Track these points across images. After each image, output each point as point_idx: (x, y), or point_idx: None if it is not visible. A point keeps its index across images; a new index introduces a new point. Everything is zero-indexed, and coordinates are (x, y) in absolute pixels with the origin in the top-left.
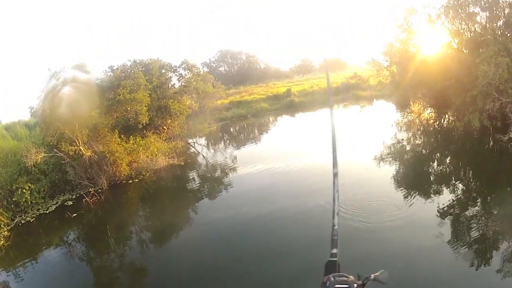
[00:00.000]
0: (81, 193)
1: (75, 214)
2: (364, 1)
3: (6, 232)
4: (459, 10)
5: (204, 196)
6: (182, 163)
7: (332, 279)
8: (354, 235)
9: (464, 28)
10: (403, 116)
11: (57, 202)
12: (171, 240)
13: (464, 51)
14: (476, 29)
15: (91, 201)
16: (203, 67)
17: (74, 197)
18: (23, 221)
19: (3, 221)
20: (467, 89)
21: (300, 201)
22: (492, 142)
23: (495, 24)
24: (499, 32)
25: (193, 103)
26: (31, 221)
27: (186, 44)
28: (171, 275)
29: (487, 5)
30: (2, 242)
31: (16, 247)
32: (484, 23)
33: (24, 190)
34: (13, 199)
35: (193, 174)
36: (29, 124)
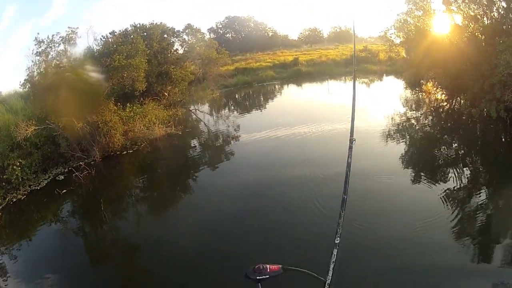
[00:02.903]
0: (74, 166)
1: (64, 191)
2: None
3: None
4: None
5: (204, 166)
6: (180, 132)
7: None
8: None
9: (481, 14)
10: (414, 94)
11: (49, 177)
12: (168, 211)
13: (480, 36)
14: (495, 16)
15: (81, 175)
16: (209, 33)
17: (66, 170)
18: (14, 199)
19: None
20: (485, 76)
21: (301, 169)
22: (507, 135)
23: None
24: None
25: (198, 68)
26: (22, 198)
27: (192, 8)
28: (169, 247)
29: None
30: None
31: (9, 227)
32: (502, 12)
33: (14, 167)
34: (4, 176)
35: (193, 143)
36: (25, 96)
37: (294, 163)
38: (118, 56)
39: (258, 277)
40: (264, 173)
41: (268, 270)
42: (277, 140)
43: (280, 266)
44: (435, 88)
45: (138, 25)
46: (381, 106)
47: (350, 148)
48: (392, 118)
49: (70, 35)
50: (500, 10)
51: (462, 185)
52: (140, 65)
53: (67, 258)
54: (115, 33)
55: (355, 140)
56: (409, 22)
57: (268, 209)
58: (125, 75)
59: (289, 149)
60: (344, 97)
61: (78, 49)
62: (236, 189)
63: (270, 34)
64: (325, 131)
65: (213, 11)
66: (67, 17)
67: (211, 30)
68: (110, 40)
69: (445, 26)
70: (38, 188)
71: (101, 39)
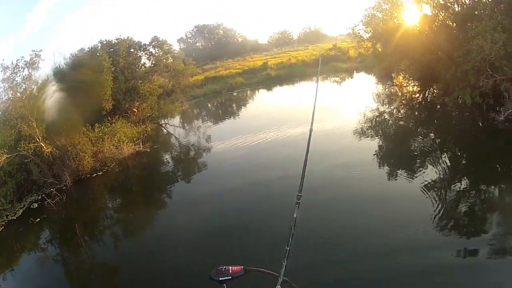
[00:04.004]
0: (47, 192)
1: (38, 219)
2: None
3: None
4: None
5: (175, 180)
6: (148, 150)
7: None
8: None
9: (451, 2)
10: (385, 89)
11: (24, 206)
12: (143, 230)
13: (450, 24)
14: (466, 2)
15: (53, 202)
16: (179, 43)
17: (39, 198)
18: None
19: None
20: (458, 64)
21: (274, 174)
22: (484, 121)
23: (484, 0)
24: (489, 8)
25: (166, 81)
26: (0, 230)
27: (160, 19)
28: (145, 264)
29: None
30: None
31: None
32: None
33: None
34: None
35: (163, 158)
36: None
37: (265, 168)
38: (85, 71)
39: (221, 279)
40: (236, 181)
41: (231, 271)
42: (247, 147)
43: (242, 267)
44: (406, 81)
45: (105, 42)
46: (353, 103)
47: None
48: (364, 115)
49: (33, 59)
50: None
51: (441, 174)
52: (106, 83)
53: (49, 285)
54: (84, 50)
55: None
56: (377, 16)
57: (237, 216)
58: (92, 93)
59: (259, 154)
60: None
61: (42, 73)
62: (207, 200)
63: (240, 40)
64: (294, 133)
65: (182, 20)
66: (37, 37)
67: (180, 40)
68: (78, 56)
69: (414, 17)
70: (15, 217)
71: (70, 57)
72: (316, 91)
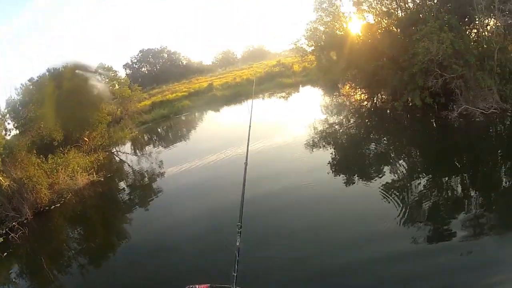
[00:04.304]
0: (10, 226)
1: (6, 253)
2: None
3: None
4: None
5: (133, 207)
6: (102, 179)
7: None
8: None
9: (395, 8)
10: (332, 100)
11: None
12: (107, 257)
13: (394, 30)
14: (410, 7)
15: (17, 236)
16: (125, 69)
17: (4, 232)
18: None
19: None
20: (403, 68)
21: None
22: (437, 120)
23: (429, 2)
24: (434, 9)
25: (114, 108)
26: None
27: (105, 44)
28: None
29: None
30: None
31: None
32: (418, 1)
33: None
34: None
35: (118, 187)
36: None
37: (218, 187)
38: (32, 107)
39: None
40: (189, 201)
41: None
42: (198, 170)
43: (208, 284)
44: (353, 90)
45: (52, 70)
46: (301, 117)
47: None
48: (314, 127)
49: None
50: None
51: (399, 175)
52: (53, 113)
53: None
54: (33, 80)
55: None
56: (319, 29)
57: (197, 235)
58: (42, 125)
59: (210, 176)
60: (261, 115)
61: None
62: (165, 221)
63: (185, 62)
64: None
65: (126, 45)
66: None
67: (126, 65)
68: (29, 87)
69: (356, 26)
70: None
71: (20, 87)
72: (250, 119)
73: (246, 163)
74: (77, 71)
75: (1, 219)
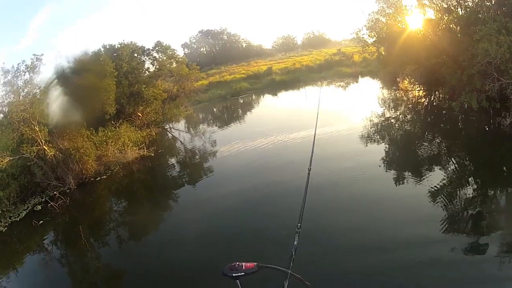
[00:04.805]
0: (51, 194)
1: (41, 222)
2: None
3: None
4: None
5: (181, 184)
6: (152, 154)
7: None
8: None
9: (454, 5)
10: (390, 94)
11: (28, 207)
12: (150, 232)
13: (454, 28)
14: (470, 5)
15: (57, 205)
16: (183, 48)
17: (43, 200)
18: None
19: None
20: (463, 68)
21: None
22: (491, 125)
23: (488, 3)
24: (492, 11)
25: (171, 86)
26: (4, 230)
27: (164, 24)
28: (156, 265)
29: None
30: None
31: None
32: (477, 0)
33: None
34: None
35: (168, 163)
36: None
37: (271, 171)
38: (87, 75)
39: (234, 274)
40: (243, 183)
41: (244, 268)
42: (253, 151)
43: (255, 263)
44: (411, 85)
45: (108, 46)
46: (358, 108)
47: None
48: (370, 120)
49: (34, 63)
50: None
51: (447, 179)
52: (108, 88)
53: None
54: (87, 53)
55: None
56: (380, 21)
57: (246, 218)
58: (94, 98)
59: (265, 159)
60: (317, 103)
61: (44, 77)
62: (213, 204)
63: (244, 45)
64: (298, 137)
65: (186, 25)
66: (41, 42)
67: (185, 45)
68: (81, 60)
69: (417, 21)
70: (18, 219)
71: (72, 60)
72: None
73: (309, 168)
74: (135, 54)
75: (42, 187)
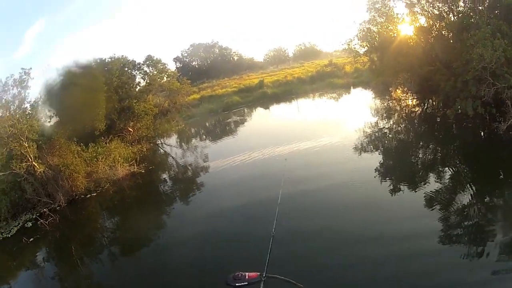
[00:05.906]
0: (41, 211)
1: (32, 239)
2: None
3: None
4: None
5: (173, 200)
6: (143, 170)
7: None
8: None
9: (446, 11)
10: (383, 103)
11: (19, 224)
12: (144, 247)
13: (447, 34)
14: (462, 10)
15: (47, 222)
16: (175, 62)
17: (34, 216)
18: None
19: None
20: (457, 74)
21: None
22: (486, 131)
23: (480, 7)
24: (485, 15)
25: (162, 101)
26: None
27: (156, 37)
28: (151, 281)
29: None
30: None
31: None
32: (470, 4)
33: None
34: None
35: (160, 179)
36: None
37: (261, 186)
38: (76, 91)
39: (237, 284)
40: (235, 198)
41: (247, 277)
42: (245, 166)
43: (259, 273)
44: (405, 94)
45: (99, 60)
46: (351, 119)
47: None
48: (363, 130)
49: (22, 77)
50: (467, 3)
51: (444, 186)
52: (99, 103)
53: None
54: (78, 63)
55: None
56: (372, 30)
57: (240, 235)
58: (84, 113)
59: (257, 173)
60: (310, 115)
61: (34, 91)
62: (207, 219)
63: (236, 58)
64: (293, 150)
65: (177, 39)
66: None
67: (176, 59)
68: (71, 72)
69: (409, 29)
70: (9, 235)
71: (62, 70)
72: None
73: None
74: (126, 69)
75: (33, 203)
